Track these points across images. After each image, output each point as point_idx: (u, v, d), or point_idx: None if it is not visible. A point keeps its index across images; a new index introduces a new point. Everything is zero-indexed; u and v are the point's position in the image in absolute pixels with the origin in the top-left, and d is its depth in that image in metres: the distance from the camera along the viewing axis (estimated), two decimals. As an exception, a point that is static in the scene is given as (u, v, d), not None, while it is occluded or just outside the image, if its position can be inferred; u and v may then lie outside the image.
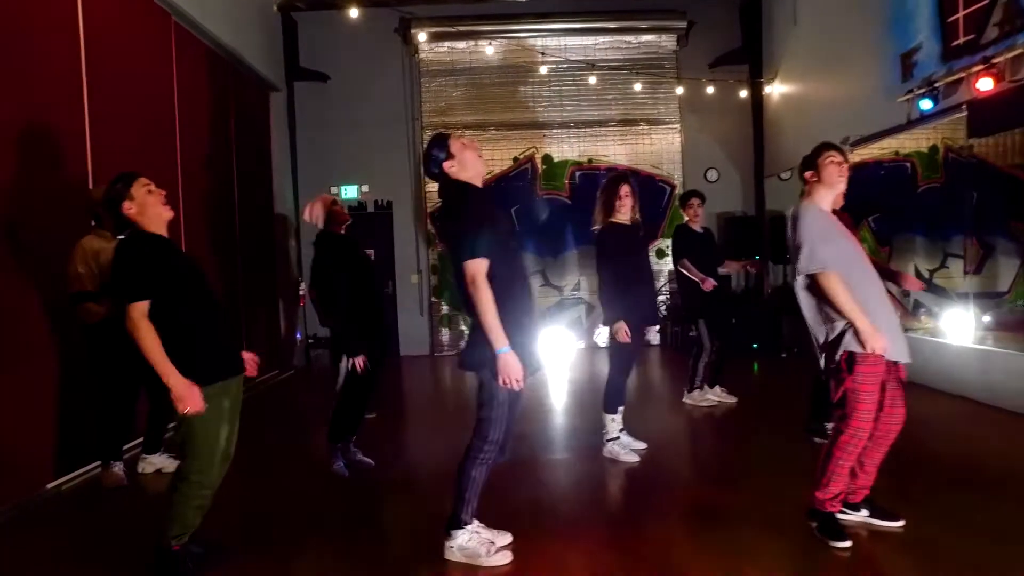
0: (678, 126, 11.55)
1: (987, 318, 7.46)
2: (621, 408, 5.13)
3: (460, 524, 3.38)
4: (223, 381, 3.25)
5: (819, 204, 3.59)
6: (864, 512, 3.70)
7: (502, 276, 3.23)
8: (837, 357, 3.44)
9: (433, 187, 10.72)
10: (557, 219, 11.35)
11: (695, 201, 6.85)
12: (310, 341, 10.98)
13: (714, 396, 6.80)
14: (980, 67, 5.85)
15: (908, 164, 8.65)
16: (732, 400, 6.80)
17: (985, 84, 5.74)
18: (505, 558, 3.39)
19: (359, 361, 4.73)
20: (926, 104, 6.59)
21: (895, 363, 3.52)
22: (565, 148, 11.49)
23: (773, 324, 10.19)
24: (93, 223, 4.95)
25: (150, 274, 3.12)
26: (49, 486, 4.85)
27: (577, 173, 11.47)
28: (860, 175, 8.68)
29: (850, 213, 4.60)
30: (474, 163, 3.39)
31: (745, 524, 3.82)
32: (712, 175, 11.64)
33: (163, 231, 3.36)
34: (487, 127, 11.44)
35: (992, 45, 5.89)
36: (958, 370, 6.64)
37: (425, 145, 3.50)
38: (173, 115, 7.13)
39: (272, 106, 10.58)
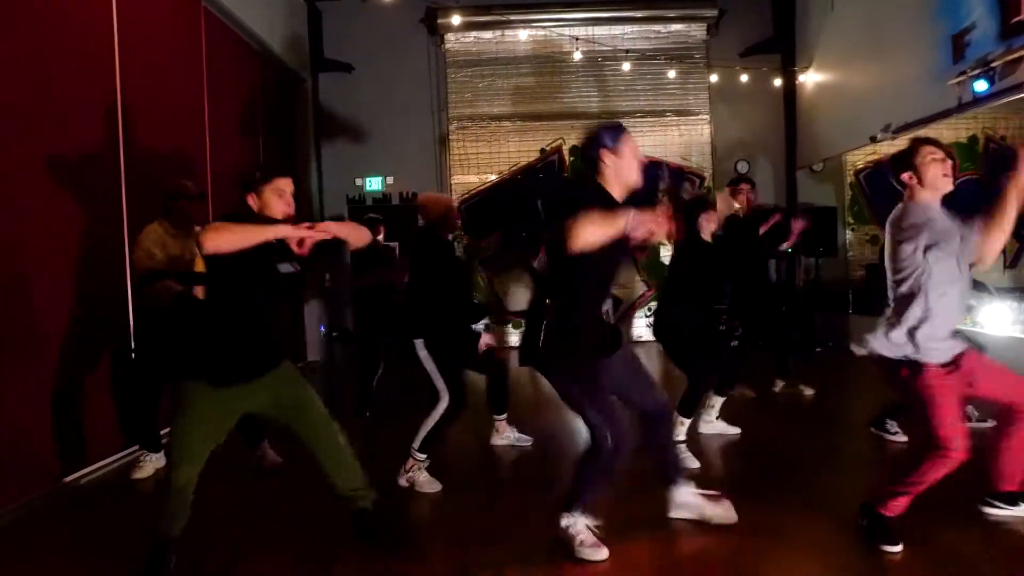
0: (707, 117, 11.40)
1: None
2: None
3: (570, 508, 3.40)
4: (211, 385, 3.20)
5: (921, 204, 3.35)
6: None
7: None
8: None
9: (459, 179, 11.03)
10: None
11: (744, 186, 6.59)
12: (334, 335, 10.93)
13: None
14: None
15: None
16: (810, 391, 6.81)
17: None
18: (597, 554, 3.34)
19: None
20: (981, 85, 6.41)
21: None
22: (593, 139, 11.35)
23: (806, 319, 10.09)
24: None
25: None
26: (68, 479, 4.83)
27: (606, 164, 11.36)
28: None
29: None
30: (629, 171, 3.28)
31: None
32: (742, 167, 11.51)
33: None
34: (514, 118, 11.36)
35: (1056, 21, 5.75)
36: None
37: (599, 127, 3.37)
38: (203, 104, 7.10)
39: (297, 96, 10.55)
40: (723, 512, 3.63)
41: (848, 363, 8.48)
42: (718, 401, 5.48)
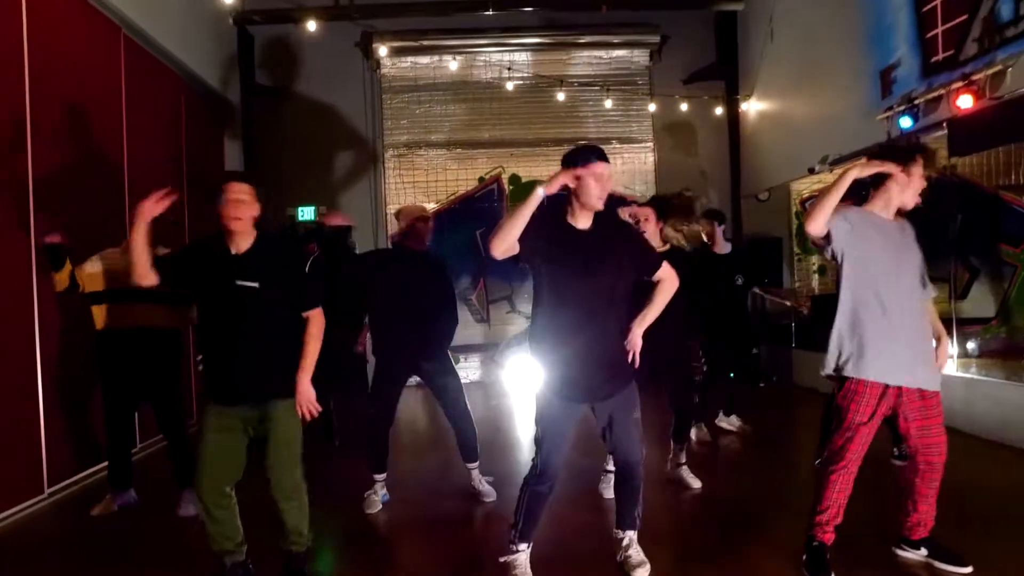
0: (651, 144, 11.76)
1: (971, 345, 7.64)
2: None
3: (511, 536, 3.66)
4: (218, 404, 3.52)
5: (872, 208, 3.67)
6: (923, 551, 3.79)
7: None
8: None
9: (395, 208, 11.12)
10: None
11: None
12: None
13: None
14: (960, 84, 6.09)
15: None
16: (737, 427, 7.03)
17: (965, 101, 5.98)
18: None
19: None
20: (906, 122, 6.82)
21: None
22: (533, 168, 11.61)
23: (749, 351, 10.32)
24: None
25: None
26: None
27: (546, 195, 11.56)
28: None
29: None
30: (587, 195, 3.41)
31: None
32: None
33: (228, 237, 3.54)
34: (451, 146, 11.60)
35: (971, 61, 6.17)
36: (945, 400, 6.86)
37: (582, 146, 3.59)
38: (121, 131, 7.15)
39: (226, 123, 10.62)
40: (642, 571, 3.72)
41: (793, 398, 8.79)
42: (677, 448, 5.47)
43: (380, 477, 5.10)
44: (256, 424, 3.54)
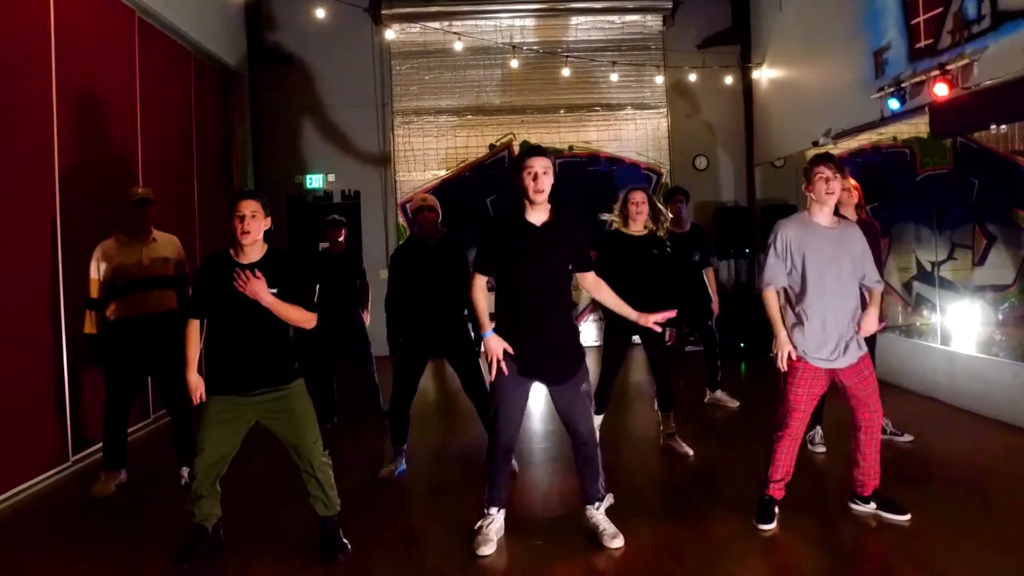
0: (665, 111, 12.33)
1: (999, 315, 8.20)
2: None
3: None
4: (226, 396, 4.21)
5: (811, 216, 4.50)
6: (872, 505, 4.63)
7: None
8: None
9: (404, 176, 11.89)
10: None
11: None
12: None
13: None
14: (936, 72, 6.72)
15: (907, 150, 9.40)
16: (735, 404, 7.74)
17: (940, 90, 6.61)
18: (479, 549, 4.31)
19: None
20: (894, 104, 7.45)
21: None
22: (544, 135, 12.20)
23: (762, 322, 10.97)
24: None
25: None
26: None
27: (558, 161, 12.22)
28: (858, 162, 9.52)
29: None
30: (528, 189, 4.18)
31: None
32: (701, 163, 12.49)
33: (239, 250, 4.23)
34: (461, 112, 12.22)
35: (946, 51, 6.79)
36: (929, 372, 7.63)
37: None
38: (135, 113, 7.94)
39: (233, 92, 11.34)
40: (617, 541, 4.34)
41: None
42: (664, 417, 6.34)
43: (401, 448, 5.90)
44: (268, 410, 4.23)
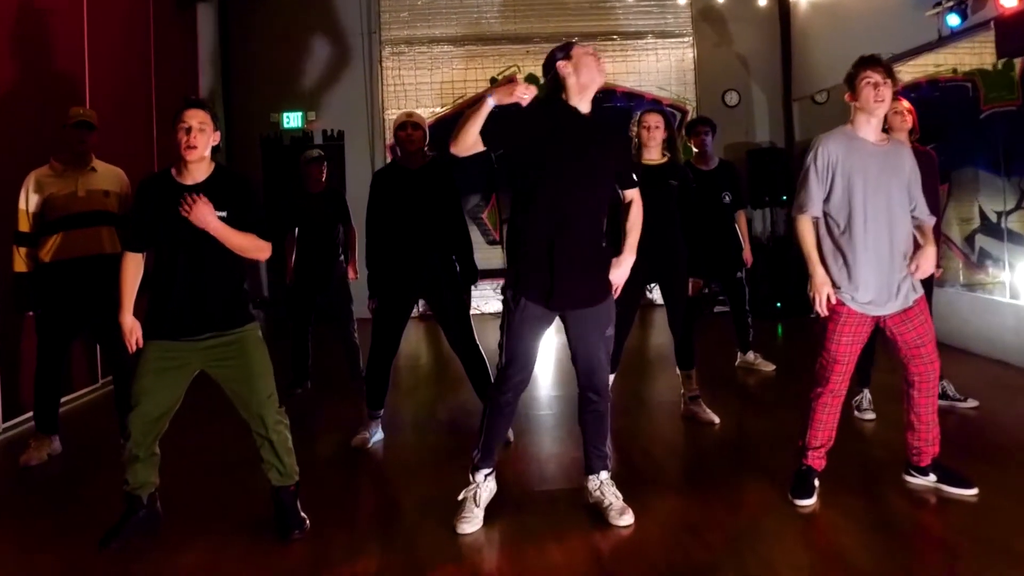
0: (690, 39, 11.93)
1: None
2: None
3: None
4: (167, 340, 3.89)
5: (855, 131, 4.12)
6: (932, 477, 4.25)
7: None
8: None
9: (394, 114, 11.46)
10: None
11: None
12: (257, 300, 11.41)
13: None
14: (1005, -20, 6.30)
15: (968, 84, 8.99)
16: (770, 367, 7.40)
17: (1009, 0, 6.20)
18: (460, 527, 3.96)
19: None
20: (953, 20, 7.12)
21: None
22: (553, 67, 11.78)
23: (801, 280, 10.62)
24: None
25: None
26: None
27: (568, 97, 11.82)
28: (912, 97, 9.07)
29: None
30: (588, 74, 3.84)
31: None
32: (731, 98, 12.05)
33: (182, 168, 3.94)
34: (459, 41, 11.84)
35: (1017, -46, 6.34)
36: (994, 330, 7.25)
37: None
38: (82, 39, 7.54)
39: (201, 20, 10.86)
40: (626, 517, 3.99)
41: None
42: (684, 376, 5.96)
43: (377, 413, 5.54)
44: (216, 356, 3.92)
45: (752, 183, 11.27)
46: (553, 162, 3.84)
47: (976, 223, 8.54)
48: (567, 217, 3.84)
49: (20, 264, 5.33)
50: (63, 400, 5.86)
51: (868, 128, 4.10)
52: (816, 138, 4.20)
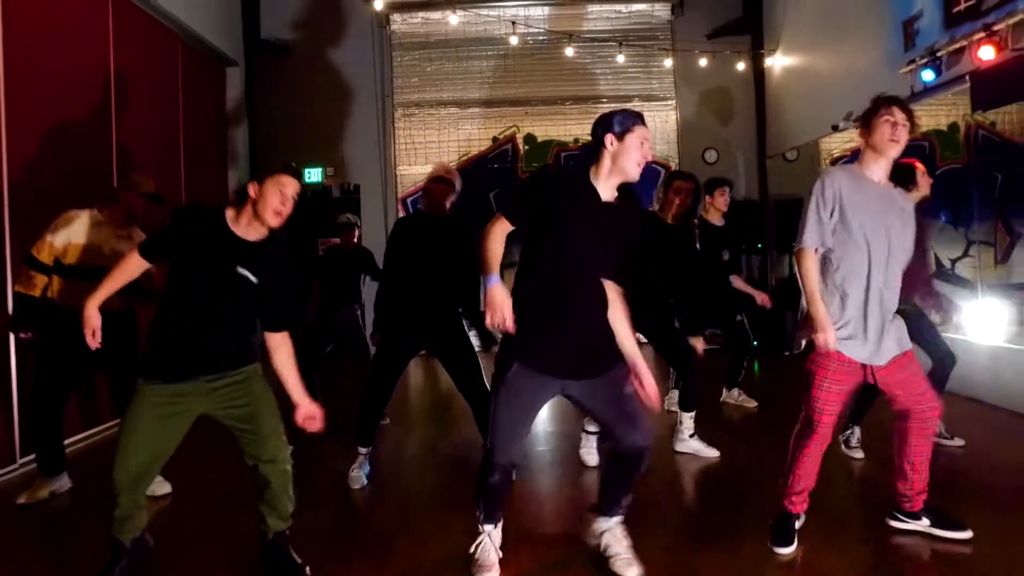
0: (673, 102, 11.61)
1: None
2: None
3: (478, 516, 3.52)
4: (169, 384, 3.33)
5: (862, 169, 3.62)
6: (925, 521, 3.75)
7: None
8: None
9: (405, 169, 11.14)
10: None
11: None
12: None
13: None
14: (981, 35, 5.93)
15: (926, 143, 8.67)
16: (752, 404, 6.99)
17: (987, 53, 5.84)
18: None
19: None
20: (928, 75, 6.73)
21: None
22: (549, 127, 11.52)
23: (776, 320, 10.24)
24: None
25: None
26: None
27: (563, 154, 11.52)
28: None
29: None
30: (628, 163, 3.22)
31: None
32: (711, 156, 11.68)
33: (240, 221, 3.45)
34: (464, 104, 11.52)
35: (993, 11, 6.00)
36: (966, 369, 6.76)
37: (616, 110, 3.35)
38: (109, 95, 7.15)
39: (228, 82, 10.61)
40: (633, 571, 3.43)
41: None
42: (687, 417, 5.49)
43: (364, 450, 5.04)
44: (225, 399, 3.39)
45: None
46: (567, 235, 3.24)
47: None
48: (579, 292, 3.28)
49: (31, 287, 4.74)
50: (87, 433, 5.37)
51: (876, 168, 3.60)
52: (823, 171, 3.73)
